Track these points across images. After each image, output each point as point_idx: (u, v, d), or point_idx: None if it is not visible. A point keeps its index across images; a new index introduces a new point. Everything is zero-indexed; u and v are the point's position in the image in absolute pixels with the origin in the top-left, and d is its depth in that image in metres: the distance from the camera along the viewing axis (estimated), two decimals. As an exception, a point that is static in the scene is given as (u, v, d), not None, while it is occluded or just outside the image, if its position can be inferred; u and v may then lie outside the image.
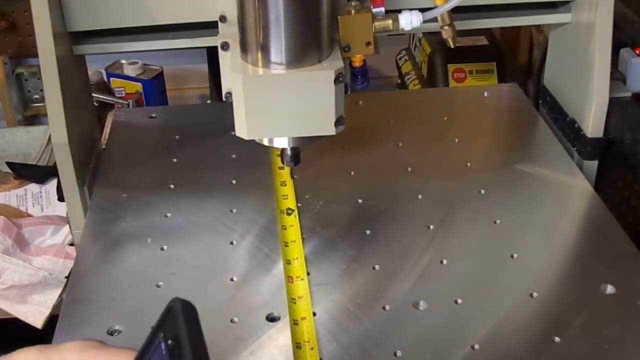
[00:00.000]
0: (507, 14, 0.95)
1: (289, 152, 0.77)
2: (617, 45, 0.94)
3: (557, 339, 0.67)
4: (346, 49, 0.74)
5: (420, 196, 0.87)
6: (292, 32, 0.68)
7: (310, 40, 0.70)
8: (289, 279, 0.74)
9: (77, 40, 0.90)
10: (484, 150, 0.98)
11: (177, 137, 1.00)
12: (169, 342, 0.36)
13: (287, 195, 0.86)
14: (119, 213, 0.85)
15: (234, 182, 0.90)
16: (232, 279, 0.75)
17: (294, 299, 0.71)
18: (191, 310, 0.37)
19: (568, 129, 0.98)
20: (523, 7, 0.95)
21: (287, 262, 0.76)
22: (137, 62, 1.56)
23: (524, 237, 0.80)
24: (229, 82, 0.73)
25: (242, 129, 0.72)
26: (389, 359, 0.66)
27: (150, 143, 1.01)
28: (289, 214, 0.83)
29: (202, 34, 0.89)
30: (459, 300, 0.71)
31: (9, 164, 1.38)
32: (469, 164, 0.93)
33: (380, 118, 1.03)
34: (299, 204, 0.85)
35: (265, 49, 0.69)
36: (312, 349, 0.66)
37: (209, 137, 0.99)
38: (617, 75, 0.96)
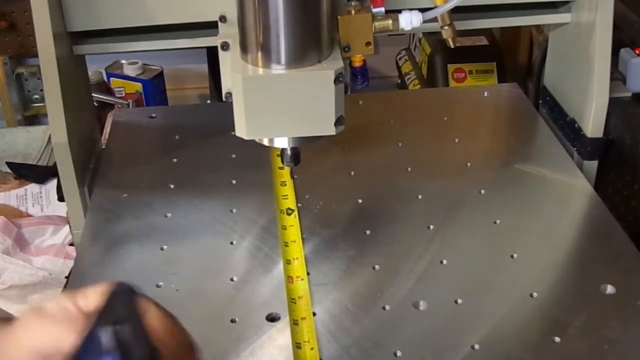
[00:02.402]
0: (507, 14, 0.95)
1: (289, 152, 0.77)
2: (617, 45, 0.94)
3: (557, 339, 0.67)
4: (346, 49, 0.74)
5: (420, 196, 0.87)
6: (292, 32, 0.68)
7: (310, 40, 0.70)
8: (289, 279, 0.74)
9: (77, 40, 0.90)
10: (484, 150, 0.98)
11: (177, 137, 1.00)
12: (112, 324, 0.38)
13: (287, 195, 0.86)
14: (119, 213, 0.85)
15: (234, 182, 0.90)
16: (232, 279, 0.75)
17: (294, 299, 0.71)
18: (133, 294, 0.39)
19: (568, 129, 0.98)
20: (523, 7, 0.95)
21: (287, 262, 0.76)
22: (137, 62, 1.56)
23: (524, 237, 0.80)
24: (229, 82, 0.73)
25: (242, 129, 0.72)
26: (389, 359, 0.66)
27: (150, 143, 1.01)
28: (289, 214, 0.83)
29: (202, 34, 0.89)
30: (459, 300, 0.71)
31: (9, 164, 1.38)
32: (469, 164, 0.93)
33: (380, 118, 1.03)
34: (299, 204, 0.85)
35: (265, 49, 0.69)
36: (312, 349, 0.66)
37: (209, 137, 0.99)
38: (617, 75, 0.96)
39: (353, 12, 0.74)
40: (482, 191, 0.88)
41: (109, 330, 0.39)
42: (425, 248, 0.78)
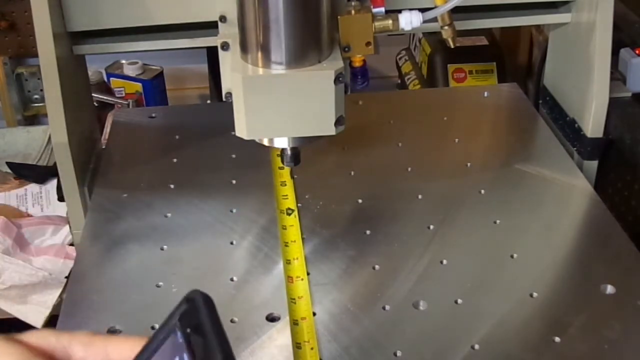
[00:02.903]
0: (507, 14, 0.95)
1: (289, 152, 0.77)
2: (617, 45, 0.94)
3: (557, 339, 0.67)
4: (346, 49, 0.74)
5: (420, 196, 0.87)
6: (292, 32, 0.68)
7: (310, 40, 0.70)
8: (289, 279, 0.74)
9: (77, 40, 0.90)
10: (484, 150, 0.98)
11: (177, 137, 1.00)
12: (188, 330, 0.37)
13: (287, 195, 0.86)
14: (119, 213, 0.85)
15: (234, 182, 0.90)
16: (232, 279, 0.75)
17: (294, 299, 0.71)
18: (210, 303, 0.38)
19: (568, 129, 0.98)
20: (523, 7, 0.95)
21: (287, 262, 0.76)
22: (137, 62, 1.56)
23: (524, 237, 0.80)
24: (229, 82, 0.73)
25: (242, 129, 0.72)
26: (389, 359, 0.66)
27: (150, 143, 1.01)
28: (289, 214, 0.83)
29: (202, 34, 0.89)
30: (459, 300, 0.71)
31: (9, 164, 1.38)
32: (469, 164, 0.93)
33: (380, 118, 1.03)
34: (299, 204, 0.85)
35: (265, 48, 0.69)
36: (312, 349, 0.66)
37: (209, 137, 0.99)
38: (617, 75, 0.96)
39: (353, 12, 0.74)
40: (482, 191, 0.88)
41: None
42: (425, 248, 0.78)
